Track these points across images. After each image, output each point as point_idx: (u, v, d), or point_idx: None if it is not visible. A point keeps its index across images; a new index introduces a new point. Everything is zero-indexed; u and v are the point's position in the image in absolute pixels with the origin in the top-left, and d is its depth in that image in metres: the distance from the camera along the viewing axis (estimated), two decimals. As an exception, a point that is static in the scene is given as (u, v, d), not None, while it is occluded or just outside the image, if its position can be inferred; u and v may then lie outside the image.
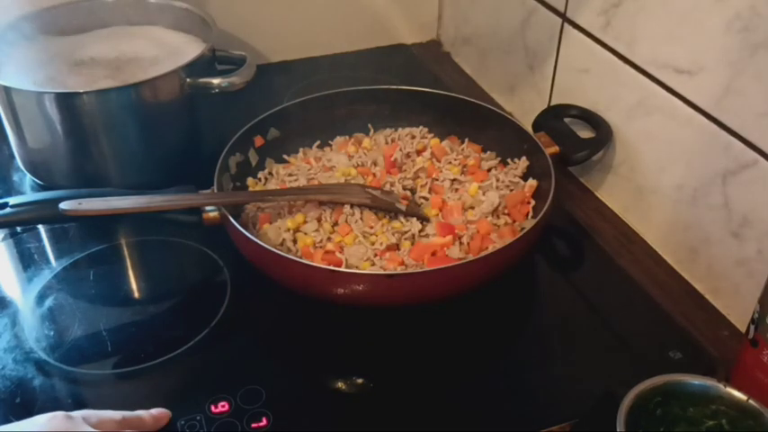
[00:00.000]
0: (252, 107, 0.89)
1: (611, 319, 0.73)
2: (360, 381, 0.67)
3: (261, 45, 1.15)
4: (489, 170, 0.85)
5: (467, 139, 0.90)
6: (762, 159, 0.66)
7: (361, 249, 0.74)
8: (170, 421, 0.61)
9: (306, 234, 0.76)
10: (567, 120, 0.89)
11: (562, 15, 0.90)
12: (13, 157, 0.92)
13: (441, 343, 0.71)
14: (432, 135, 0.91)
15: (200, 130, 0.91)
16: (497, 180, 0.83)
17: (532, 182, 0.82)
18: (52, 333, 0.71)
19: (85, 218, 0.70)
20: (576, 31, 0.88)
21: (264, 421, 0.61)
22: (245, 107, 0.91)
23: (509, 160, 0.87)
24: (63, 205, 0.69)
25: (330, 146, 0.91)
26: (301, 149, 0.90)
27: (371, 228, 0.76)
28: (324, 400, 0.65)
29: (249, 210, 0.81)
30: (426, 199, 0.82)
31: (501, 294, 0.74)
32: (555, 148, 0.84)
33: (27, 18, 0.92)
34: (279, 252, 0.69)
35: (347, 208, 0.78)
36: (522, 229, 0.77)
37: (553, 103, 0.96)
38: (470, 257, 0.72)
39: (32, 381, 0.66)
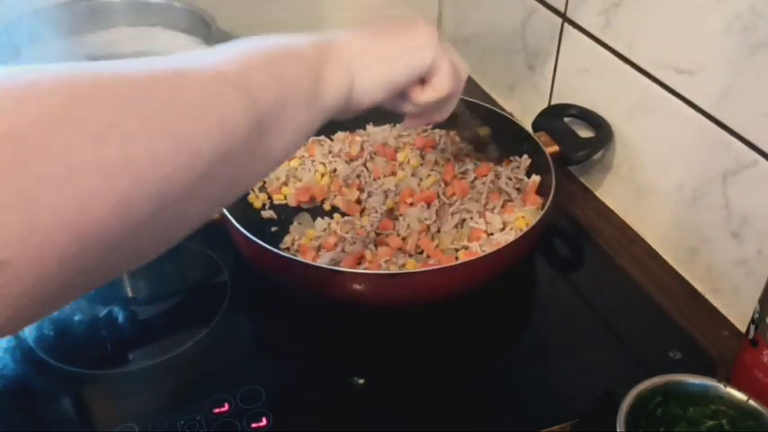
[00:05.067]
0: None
1: (611, 319, 0.73)
2: (360, 381, 0.67)
3: (261, 45, 1.15)
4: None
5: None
6: (762, 159, 0.66)
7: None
8: None
9: (306, 234, 0.76)
10: (566, 119, 0.89)
11: (562, 15, 0.89)
12: (13, 156, 0.92)
13: (441, 343, 0.71)
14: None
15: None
16: (503, 177, 0.82)
17: (536, 177, 0.82)
18: (52, 333, 0.71)
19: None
20: (576, 31, 0.88)
21: (264, 421, 0.61)
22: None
23: (511, 158, 0.86)
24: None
25: (332, 140, 0.91)
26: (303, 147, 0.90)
27: (371, 227, 0.76)
28: (324, 400, 0.65)
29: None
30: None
31: (501, 294, 0.74)
32: (555, 148, 0.84)
33: (26, 19, 0.92)
34: (279, 252, 0.69)
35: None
36: (523, 229, 0.77)
37: (553, 103, 0.96)
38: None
39: (32, 381, 0.66)
